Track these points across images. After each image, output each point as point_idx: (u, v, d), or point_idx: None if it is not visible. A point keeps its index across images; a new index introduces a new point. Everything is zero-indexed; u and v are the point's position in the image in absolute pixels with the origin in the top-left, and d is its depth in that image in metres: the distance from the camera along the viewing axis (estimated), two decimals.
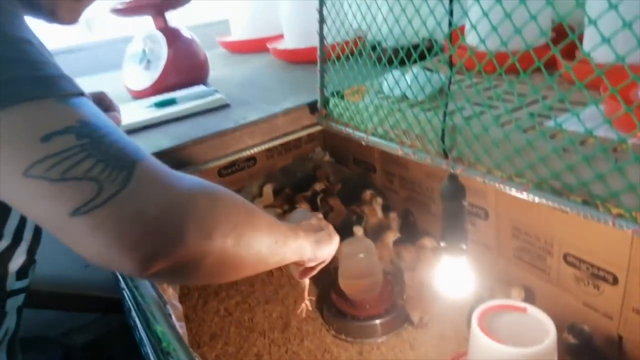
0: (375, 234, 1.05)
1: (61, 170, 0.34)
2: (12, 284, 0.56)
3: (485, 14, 0.48)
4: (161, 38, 1.02)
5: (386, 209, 1.08)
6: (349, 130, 0.78)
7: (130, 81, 1.05)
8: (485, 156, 0.54)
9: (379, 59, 0.70)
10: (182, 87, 1.01)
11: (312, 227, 0.64)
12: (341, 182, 1.24)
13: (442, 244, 0.66)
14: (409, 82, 0.70)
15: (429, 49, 0.60)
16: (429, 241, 0.99)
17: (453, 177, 0.61)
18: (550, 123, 0.52)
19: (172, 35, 1.04)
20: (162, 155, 0.73)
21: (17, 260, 0.55)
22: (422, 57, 0.65)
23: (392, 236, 1.04)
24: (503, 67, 0.49)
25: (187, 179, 0.40)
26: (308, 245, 0.60)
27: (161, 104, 0.90)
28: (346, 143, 1.25)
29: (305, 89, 0.96)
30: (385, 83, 0.74)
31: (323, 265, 0.67)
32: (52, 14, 0.54)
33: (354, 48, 0.76)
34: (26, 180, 0.34)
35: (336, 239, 0.67)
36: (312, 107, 0.86)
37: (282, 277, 1.08)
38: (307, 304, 0.78)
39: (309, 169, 1.33)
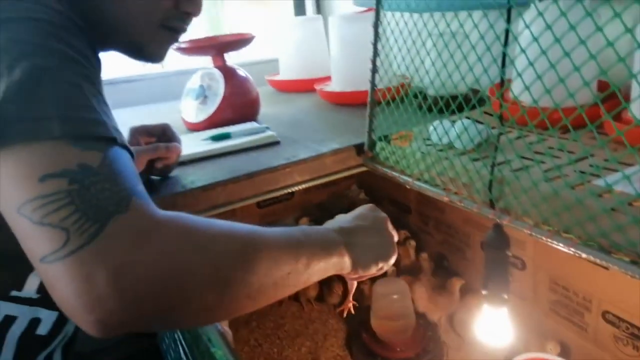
0: (408, 275, 1.07)
1: (42, 214, 0.35)
2: None
3: (539, 77, 0.52)
4: (219, 76, 1.09)
5: (419, 251, 1.10)
6: (395, 174, 0.81)
7: (187, 114, 1.11)
8: (533, 209, 0.56)
9: (427, 107, 0.74)
10: (235, 122, 1.07)
11: (363, 237, 0.59)
12: None
13: (484, 292, 0.68)
14: (457, 132, 0.73)
15: (476, 99, 0.63)
16: (460, 285, 1.00)
17: (498, 227, 0.64)
18: (598, 182, 0.55)
19: (229, 74, 1.10)
20: (217, 186, 0.78)
21: None
22: (469, 106, 0.69)
23: (425, 279, 1.05)
24: (554, 125, 0.52)
25: (164, 235, 0.38)
26: (348, 261, 0.56)
27: (217, 138, 0.96)
28: (382, 183, 1.28)
29: (351, 130, 1.01)
30: (432, 131, 0.78)
31: (380, 273, 0.62)
32: (141, 51, 0.60)
33: (403, 95, 0.80)
34: (18, 216, 0.36)
35: (391, 255, 0.62)
36: (359, 148, 0.90)
37: (312, 311, 1.09)
38: (350, 306, 0.77)
39: (344, 206, 1.36)
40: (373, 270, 0.60)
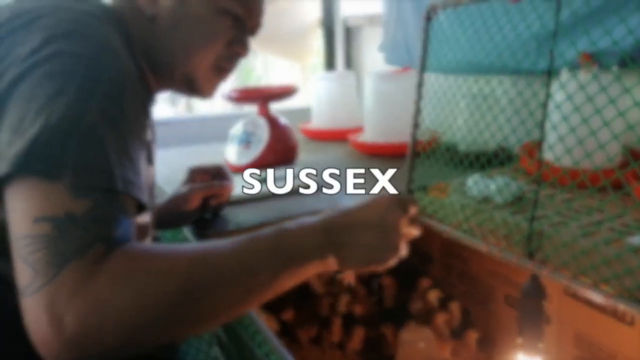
0: (430, 325, 1.09)
1: (27, 252, 0.41)
2: None
3: (581, 142, 0.58)
4: (264, 124, 1.17)
5: (442, 301, 1.13)
6: (432, 222, 0.86)
7: (231, 156, 1.19)
8: (572, 262, 0.61)
9: (459, 162, 0.81)
10: (275, 166, 1.14)
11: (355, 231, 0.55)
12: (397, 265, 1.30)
13: (519, 341, 0.71)
14: (496, 187, 0.79)
15: (508, 157, 0.70)
16: (476, 337, 1.02)
17: (536, 278, 0.68)
18: (634, 240, 0.60)
19: (272, 122, 1.19)
20: (264, 226, 0.83)
21: None
22: (502, 163, 0.76)
23: (447, 330, 1.08)
24: (589, 185, 0.58)
25: (101, 284, 0.40)
26: (333, 261, 0.54)
27: (262, 181, 1.02)
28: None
29: (390, 180, 1.07)
30: (471, 184, 0.84)
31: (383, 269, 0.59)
32: (195, 89, 0.68)
33: (435, 148, 0.87)
34: (15, 244, 0.42)
35: (388, 259, 0.57)
36: None
37: (334, 357, 1.11)
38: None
39: None
40: (365, 270, 0.57)
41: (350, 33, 2.01)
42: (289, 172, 1.08)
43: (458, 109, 0.94)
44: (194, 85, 0.67)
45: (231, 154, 1.19)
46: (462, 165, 0.87)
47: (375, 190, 0.99)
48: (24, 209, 0.42)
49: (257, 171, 1.09)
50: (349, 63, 2.03)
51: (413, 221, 0.61)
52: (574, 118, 0.65)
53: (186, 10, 0.62)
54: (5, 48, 0.48)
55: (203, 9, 0.63)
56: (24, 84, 0.45)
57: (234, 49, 0.67)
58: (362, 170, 1.15)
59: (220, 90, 0.75)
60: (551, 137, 0.72)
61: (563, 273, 0.62)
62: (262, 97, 1.16)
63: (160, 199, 0.83)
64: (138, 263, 0.43)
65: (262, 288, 0.49)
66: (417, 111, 0.91)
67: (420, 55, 0.87)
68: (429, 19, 0.84)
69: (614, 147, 0.75)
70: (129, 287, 0.41)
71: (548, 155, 0.81)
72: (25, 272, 0.41)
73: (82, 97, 0.46)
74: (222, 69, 0.68)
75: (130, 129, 0.49)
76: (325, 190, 1.01)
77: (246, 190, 0.98)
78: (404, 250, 0.59)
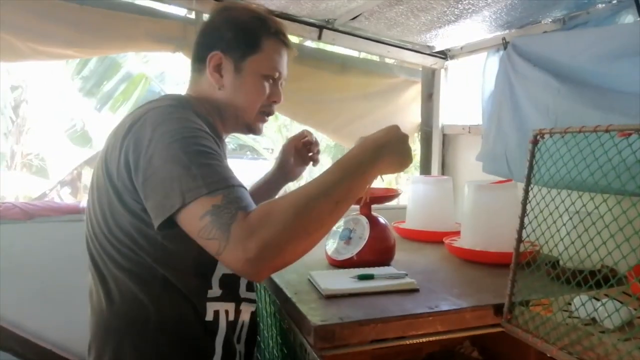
0: None
1: (206, 236, 0.74)
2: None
3: None
4: (365, 223, 1.25)
5: None
6: (535, 340, 0.86)
7: (331, 250, 1.27)
8: None
9: (565, 279, 0.81)
10: (372, 264, 1.19)
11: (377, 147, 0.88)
12: None
13: None
14: (607, 310, 0.78)
15: (613, 276, 0.70)
16: None
17: None
18: None
19: (373, 221, 1.26)
20: (370, 323, 0.88)
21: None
22: (606, 282, 0.75)
23: None
24: None
25: (254, 222, 0.73)
26: (376, 172, 0.87)
27: (363, 277, 1.08)
28: (498, 342, 1.28)
29: (485, 289, 1.08)
30: (576, 304, 0.83)
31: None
32: (250, 129, 1.07)
33: (533, 261, 0.88)
34: (198, 238, 0.76)
35: (407, 166, 0.92)
36: (497, 308, 0.97)
37: None
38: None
39: None
40: (398, 170, 0.93)
41: (447, 140, 2.11)
42: (388, 272, 1.13)
43: (560, 222, 0.96)
44: (250, 127, 1.06)
45: (332, 247, 1.27)
46: (561, 281, 0.88)
47: (476, 300, 1.00)
48: (193, 217, 0.75)
49: (356, 269, 1.15)
50: (444, 168, 2.11)
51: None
52: None
53: (241, 81, 0.99)
54: (136, 139, 0.84)
55: (251, 78, 0.99)
56: (154, 159, 0.80)
57: (272, 99, 1.04)
58: (458, 278, 1.17)
59: None
60: None
61: None
62: (367, 199, 1.24)
63: None
64: (267, 208, 0.75)
65: (345, 194, 0.80)
66: (522, 226, 0.94)
67: (525, 174, 0.92)
68: (536, 142, 0.90)
69: None
70: (270, 220, 0.73)
71: None
72: (212, 245, 0.74)
73: (185, 150, 0.80)
74: (266, 114, 1.06)
75: (218, 154, 0.83)
76: (423, 293, 1.04)
77: (349, 285, 1.03)
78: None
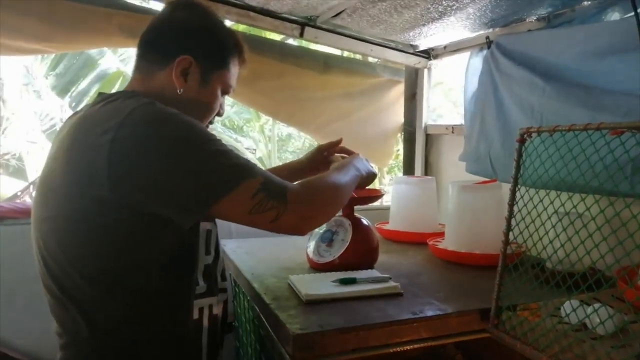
0: None
1: (261, 209, 0.83)
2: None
3: None
4: (348, 225, 1.21)
5: None
6: (524, 347, 0.82)
7: (312, 253, 1.22)
8: None
9: (554, 283, 0.78)
10: (355, 267, 1.15)
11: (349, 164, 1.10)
12: None
13: None
14: (595, 315, 0.75)
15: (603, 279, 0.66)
16: None
17: None
18: None
19: (355, 223, 1.22)
20: (352, 331, 0.84)
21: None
22: (596, 285, 0.73)
23: None
24: None
25: (299, 194, 0.88)
26: (363, 177, 1.12)
27: (345, 281, 1.04)
28: (483, 346, 1.25)
29: (471, 292, 1.05)
30: (567, 309, 0.80)
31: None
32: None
33: (518, 263, 0.85)
34: (248, 215, 0.84)
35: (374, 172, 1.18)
36: (483, 313, 0.93)
37: None
38: None
39: None
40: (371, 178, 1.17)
41: (430, 140, 2.08)
42: (371, 276, 1.08)
43: (549, 224, 0.93)
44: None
45: (313, 249, 1.23)
46: (550, 285, 0.85)
47: (461, 304, 0.97)
48: (242, 199, 0.82)
49: (338, 272, 1.11)
50: (427, 168, 2.08)
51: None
52: None
53: (203, 92, 0.97)
54: (136, 141, 0.82)
55: (213, 91, 0.99)
56: (173, 158, 0.81)
57: (219, 111, 1.05)
58: (442, 281, 1.13)
59: None
60: None
61: None
62: (349, 199, 1.20)
63: None
64: (311, 181, 0.96)
65: (349, 189, 1.04)
66: (509, 228, 0.91)
67: (512, 175, 0.89)
68: (523, 141, 0.87)
69: None
70: (309, 190, 0.92)
71: None
72: (268, 216, 0.84)
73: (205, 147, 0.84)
74: (210, 123, 1.06)
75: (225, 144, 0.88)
76: (407, 298, 1.01)
77: (329, 290, 0.99)
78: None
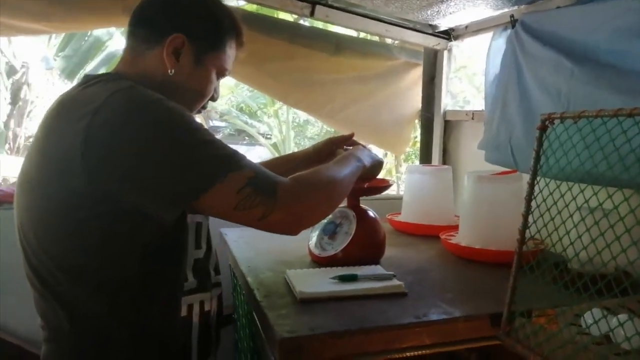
0: None
1: (247, 205, 0.75)
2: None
3: None
4: (352, 216, 1.13)
5: None
6: (537, 358, 0.73)
7: (314, 246, 1.15)
8: None
9: (578, 287, 0.68)
10: (359, 261, 1.07)
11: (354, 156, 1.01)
12: None
13: None
14: (620, 328, 0.66)
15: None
16: None
17: None
18: None
19: (361, 214, 1.14)
20: (345, 335, 0.76)
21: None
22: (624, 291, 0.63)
23: None
24: None
25: (288, 190, 0.79)
26: (364, 168, 1.01)
27: (345, 278, 0.96)
28: (499, 350, 1.17)
29: (484, 294, 0.97)
30: (588, 320, 0.71)
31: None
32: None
33: (538, 263, 0.75)
34: (234, 212, 0.75)
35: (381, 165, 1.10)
36: (494, 318, 0.84)
37: None
38: None
39: None
40: (377, 170, 1.09)
41: (448, 127, 1.97)
42: (373, 273, 1.01)
43: (571, 222, 0.83)
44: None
45: (314, 242, 1.16)
46: (571, 291, 0.75)
47: (471, 307, 0.88)
48: (228, 193, 0.74)
49: (339, 268, 1.04)
50: (445, 157, 1.97)
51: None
52: None
53: (197, 73, 0.90)
54: (113, 129, 0.74)
55: (207, 72, 0.91)
56: (158, 147, 0.74)
57: (214, 95, 0.97)
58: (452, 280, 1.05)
59: None
60: None
61: None
62: (355, 190, 1.11)
63: None
64: (305, 176, 0.85)
65: (348, 183, 0.93)
66: (525, 225, 0.81)
67: (531, 165, 0.79)
68: (544, 128, 0.77)
69: None
70: (301, 186, 0.82)
71: None
72: (254, 213, 0.76)
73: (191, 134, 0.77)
74: (203, 108, 0.98)
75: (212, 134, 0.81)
76: (411, 299, 0.92)
77: (326, 288, 0.92)
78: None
